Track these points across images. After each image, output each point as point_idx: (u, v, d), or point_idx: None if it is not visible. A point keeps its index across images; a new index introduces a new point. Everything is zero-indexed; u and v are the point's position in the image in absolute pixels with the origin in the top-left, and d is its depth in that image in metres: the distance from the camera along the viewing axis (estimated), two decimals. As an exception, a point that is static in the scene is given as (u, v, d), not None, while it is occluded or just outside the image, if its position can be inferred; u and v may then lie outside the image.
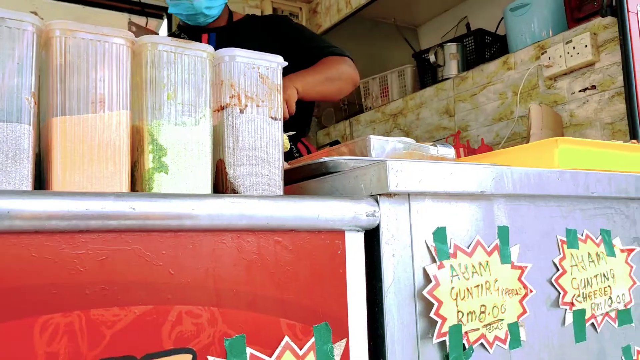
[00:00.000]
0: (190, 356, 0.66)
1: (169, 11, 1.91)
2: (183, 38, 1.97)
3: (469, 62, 3.01)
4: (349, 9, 3.66)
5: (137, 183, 0.81)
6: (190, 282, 0.68)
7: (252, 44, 1.95)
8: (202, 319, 0.68)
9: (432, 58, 3.06)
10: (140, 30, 3.23)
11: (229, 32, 2.02)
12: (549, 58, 2.32)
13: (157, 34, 3.50)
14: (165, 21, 3.62)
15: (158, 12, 3.53)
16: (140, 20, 3.47)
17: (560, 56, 2.27)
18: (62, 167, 0.74)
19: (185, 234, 0.69)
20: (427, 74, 3.25)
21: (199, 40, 1.97)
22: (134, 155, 0.82)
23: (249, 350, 0.70)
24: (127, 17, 3.46)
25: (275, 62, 0.94)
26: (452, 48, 3.05)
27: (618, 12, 1.98)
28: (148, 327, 0.64)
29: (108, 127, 0.78)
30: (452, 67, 3.03)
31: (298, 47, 1.96)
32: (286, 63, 0.95)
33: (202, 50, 0.87)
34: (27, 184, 0.71)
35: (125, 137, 0.79)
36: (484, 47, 2.98)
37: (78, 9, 3.27)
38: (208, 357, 0.67)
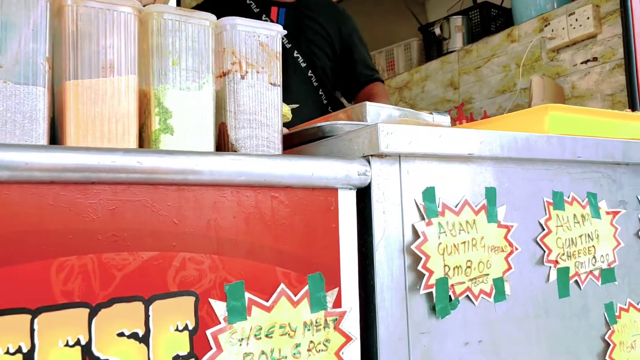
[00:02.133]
0: (193, 298, 0.73)
1: None
2: (249, 4, 2.00)
3: (474, 35, 3.03)
4: (355, -18, 3.66)
5: (144, 144, 0.87)
6: (193, 231, 0.74)
7: (315, 29, 2.02)
8: (204, 265, 0.74)
9: (437, 31, 3.08)
10: None
11: (296, 11, 2.04)
12: (552, 30, 2.34)
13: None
14: (174, -5, 3.65)
15: (166, -16, 3.55)
16: (148, -7, 3.49)
17: (563, 28, 2.29)
18: (75, 127, 0.80)
19: (189, 188, 0.75)
20: (433, 47, 3.28)
21: (267, 11, 2.01)
22: (141, 117, 0.88)
23: (247, 295, 0.76)
24: (136, -10, 3.48)
25: (274, 31, 0.99)
26: (457, 21, 3.06)
27: (620, -17, 1.99)
28: (155, 271, 0.70)
29: (117, 91, 0.83)
30: (457, 40, 3.05)
31: (350, 54, 2.06)
32: (285, 32, 1.00)
33: (205, 19, 0.92)
34: (43, 142, 0.77)
35: (133, 101, 0.85)
36: (490, 20, 2.99)
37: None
38: (209, 299, 0.74)
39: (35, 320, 0.63)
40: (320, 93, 2.07)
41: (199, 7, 2.08)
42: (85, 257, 0.66)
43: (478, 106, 2.81)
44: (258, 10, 2.04)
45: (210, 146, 0.90)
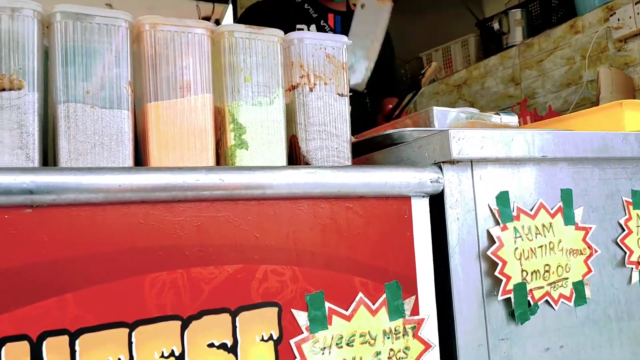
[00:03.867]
0: (276, 309, 0.75)
1: None
2: (307, 9, 2.06)
3: (534, 28, 2.95)
4: (409, -19, 3.63)
5: (220, 159, 0.90)
6: (274, 244, 0.76)
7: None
8: (285, 276, 0.76)
9: (496, 26, 3.02)
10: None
11: (350, 20, 2.09)
12: (618, 19, 2.25)
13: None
14: (230, 6, 3.73)
15: (224, -3, 3.65)
16: (206, 6, 3.60)
17: (630, 17, 2.20)
18: (158, 146, 0.84)
19: (267, 202, 0.77)
20: (491, 42, 3.21)
21: (325, 18, 2.07)
22: (217, 134, 0.91)
23: (327, 305, 0.78)
24: (195, 3, 3.59)
25: (340, 42, 1.00)
26: (516, 14, 2.99)
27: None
28: (239, 284, 0.73)
29: (194, 110, 0.87)
30: (517, 34, 2.98)
31: (386, 68, 2.10)
32: (350, 42, 1.01)
33: (273, 34, 0.94)
34: (129, 162, 0.82)
35: (209, 118, 0.88)
36: (550, 11, 2.90)
37: (148, -2, 3.43)
38: (292, 309, 0.76)
39: (133, 334, 0.66)
40: (367, 100, 2.11)
41: (258, 14, 2.13)
42: (175, 272, 0.70)
43: (542, 101, 2.73)
44: (316, 15, 2.08)
45: (283, 159, 0.92)
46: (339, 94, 0.99)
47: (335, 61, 1.00)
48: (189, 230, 0.71)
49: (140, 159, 0.87)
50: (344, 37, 1.01)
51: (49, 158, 0.82)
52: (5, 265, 0.61)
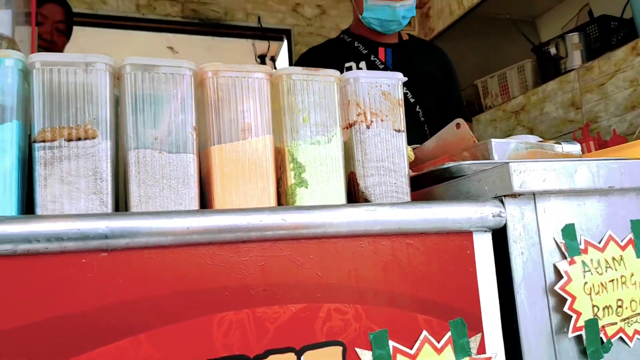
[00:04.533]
0: (340, 348, 0.75)
1: (363, 15, 2.01)
2: (357, 47, 2.11)
3: (593, 51, 2.88)
4: (461, 10, 3.65)
5: (281, 197, 0.92)
6: (336, 282, 0.77)
7: (421, 67, 2.11)
8: (349, 315, 0.76)
9: (553, 50, 2.97)
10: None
11: (402, 50, 2.13)
12: (684, 38, 2.17)
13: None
14: (285, 42, 3.84)
15: (278, 35, 3.76)
16: (262, 44, 3.71)
17: (697, 35, 2.12)
18: (222, 187, 0.87)
19: (328, 240, 0.78)
20: (549, 67, 3.15)
21: (375, 52, 2.10)
22: (277, 173, 0.93)
23: (391, 343, 0.77)
24: (251, 42, 3.72)
25: (395, 79, 1.01)
26: (574, 38, 2.93)
27: None
28: (303, 323, 0.74)
29: (255, 151, 0.90)
30: (575, 57, 2.92)
31: (447, 94, 2.12)
32: (405, 79, 1.03)
33: (329, 75, 0.96)
34: (195, 203, 0.85)
35: (270, 159, 0.90)
36: (610, 33, 2.83)
37: (207, 40, 3.58)
38: (356, 349, 0.76)
39: (201, 373, 0.68)
40: (425, 128, 2.11)
41: (311, 58, 2.19)
42: (241, 311, 0.71)
43: (605, 125, 2.65)
44: (366, 51, 2.11)
45: (342, 195, 0.94)
46: (395, 130, 1.00)
47: (391, 98, 1.01)
48: (253, 270, 0.73)
49: (204, 200, 0.90)
50: (398, 74, 1.02)
51: (120, 202, 0.86)
52: (83, 307, 0.65)
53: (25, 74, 0.81)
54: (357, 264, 0.79)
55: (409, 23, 4.04)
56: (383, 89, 1.00)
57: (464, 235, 0.86)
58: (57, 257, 0.65)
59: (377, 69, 2.05)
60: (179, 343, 0.68)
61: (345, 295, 0.77)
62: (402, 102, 1.02)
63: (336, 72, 0.97)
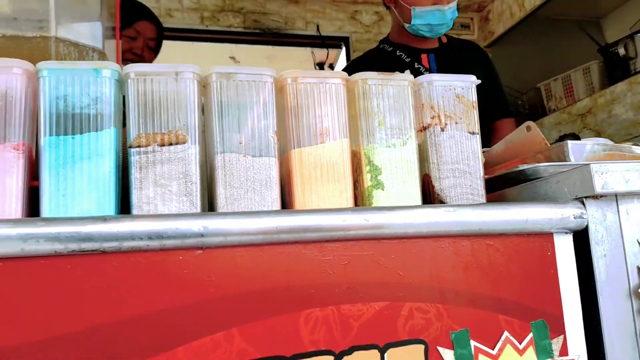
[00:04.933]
0: (422, 346, 0.76)
1: (412, 23, 2.01)
2: (399, 55, 2.12)
3: (665, 50, 2.77)
4: (522, 12, 3.58)
5: (357, 199, 0.94)
6: (417, 282, 0.78)
7: (464, 67, 2.11)
8: (430, 314, 0.77)
9: (621, 51, 2.88)
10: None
11: (443, 54, 2.13)
12: None
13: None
14: (344, 49, 3.88)
15: (337, 42, 3.80)
16: (321, 52, 3.76)
17: None
18: (301, 190, 0.90)
19: (409, 241, 0.80)
20: (617, 68, 3.05)
21: (418, 59, 2.12)
22: (353, 175, 0.96)
23: (472, 343, 0.78)
24: (310, 50, 3.77)
25: (469, 82, 1.02)
26: (644, 37, 2.84)
27: None
28: (386, 320, 0.76)
29: (333, 154, 0.92)
30: (645, 57, 2.82)
31: (490, 93, 2.12)
32: (479, 81, 1.03)
33: (404, 79, 0.98)
34: (277, 205, 0.88)
35: (347, 162, 0.93)
36: (683, 31, 2.72)
37: (267, 49, 3.66)
38: (438, 347, 0.77)
39: (291, 367, 0.71)
40: None
41: (356, 69, 2.21)
42: (326, 308, 0.74)
43: (679, 126, 2.54)
44: (409, 59, 2.11)
45: (418, 197, 0.95)
46: (470, 132, 1.01)
47: (465, 100, 1.01)
48: (337, 269, 0.76)
49: (284, 202, 0.93)
50: (472, 77, 1.03)
51: (206, 204, 0.91)
52: (181, 301, 0.69)
53: (120, 84, 0.87)
54: (438, 265, 0.80)
55: (468, 27, 4.01)
56: (457, 91, 1.01)
57: (545, 237, 0.85)
58: (157, 254, 0.69)
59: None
60: (269, 338, 0.71)
61: (427, 295, 0.78)
62: (476, 105, 1.02)
63: (410, 76, 0.99)
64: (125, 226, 0.68)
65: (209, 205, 0.89)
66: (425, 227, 0.79)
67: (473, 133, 1.01)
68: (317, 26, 3.79)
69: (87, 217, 0.68)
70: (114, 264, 0.67)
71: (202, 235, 0.70)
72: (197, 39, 3.58)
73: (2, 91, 0.80)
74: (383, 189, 0.94)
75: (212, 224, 0.71)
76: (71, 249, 0.65)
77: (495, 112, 2.19)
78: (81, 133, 0.82)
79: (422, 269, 0.79)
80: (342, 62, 3.92)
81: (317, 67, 3.87)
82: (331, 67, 4.00)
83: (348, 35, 3.88)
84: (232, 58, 3.74)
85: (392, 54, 2.15)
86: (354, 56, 3.76)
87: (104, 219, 0.68)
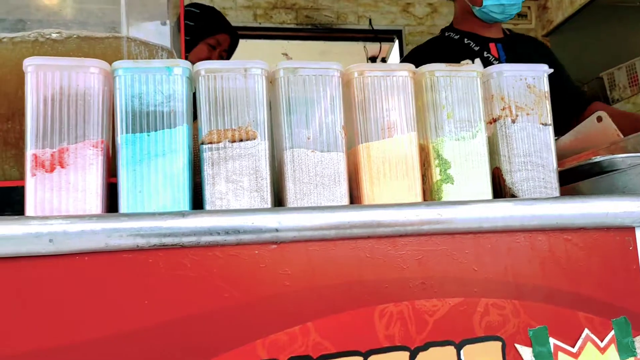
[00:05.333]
0: (499, 343, 0.75)
1: (484, 5, 1.96)
2: (467, 44, 2.08)
3: None
4: (583, 0, 3.45)
5: (426, 194, 0.93)
6: (492, 277, 0.76)
7: (530, 59, 2.05)
8: (506, 310, 0.76)
9: (691, 36, 2.73)
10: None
11: (509, 44, 2.08)
12: None
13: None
14: (396, 43, 3.84)
15: (389, 35, 3.77)
16: (373, 46, 3.73)
17: None
18: (369, 184, 0.89)
19: (484, 235, 0.78)
20: (687, 54, 2.90)
21: (487, 48, 2.08)
22: (421, 169, 0.94)
23: (552, 341, 0.76)
24: (362, 44, 3.75)
25: (540, 71, 0.99)
26: None
27: None
28: (461, 317, 0.74)
29: (401, 148, 0.91)
30: None
31: (562, 82, 2.06)
32: (551, 70, 1.00)
33: (472, 70, 0.96)
34: (345, 200, 0.88)
35: (416, 155, 0.92)
36: None
37: (320, 44, 3.66)
38: (515, 345, 0.75)
39: (366, 362, 0.70)
40: None
41: (419, 58, 2.17)
42: (401, 303, 0.73)
43: None
44: (478, 48, 2.06)
45: (488, 192, 0.93)
46: (542, 124, 0.98)
47: (537, 90, 0.98)
48: (411, 264, 0.75)
49: (351, 197, 0.93)
50: (544, 66, 0.99)
51: (274, 199, 0.91)
52: (258, 295, 0.70)
53: (190, 81, 0.88)
54: (514, 259, 0.78)
55: (526, 16, 3.89)
56: (528, 81, 0.98)
57: (626, 231, 0.82)
58: (234, 248, 0.70)
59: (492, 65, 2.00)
60: (344, 332, 0.71)
61: (502, 291, 0.76)
62: (548, 95, 0.99)
63: (480, 66, 0.97)
64: (203, 221, 0.69)
65: (277, 200, 0.90)
66: (501, 221, 0.78)
67: (545, 124, 0.98)
68: (370, 20, 3.76)
69: (167, 213, 0.70)
70: (193, 258, 0.69)
71: (277, 230, 0.71)
72: (251, 36, 3.62)
73: (80, 91, 0.83)
74: (453, 183, 0.92)
75: (286, 219, 0.71)
76: (152, 244, 0.67)
77: (582, 100, 2.11)
78: (155, 130, 0.84)
79: (498, 264, 0.77)
80: (394, 55, 3.88)
81: (369, 61, 3.85)
82: (384, 60, 3.96)
83: (401, 28, 3.84)
84: (285, 54, 3.77)
85: (460, 43, 2.10)
86: (407, 50, 3.71)
87: (182, 214, 0.69)
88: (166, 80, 0.86)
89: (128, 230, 0.67)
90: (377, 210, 0.75)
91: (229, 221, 0.70)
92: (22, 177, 1.00)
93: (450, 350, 0.73)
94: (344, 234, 0.73)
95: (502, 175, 0.96)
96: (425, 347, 0.72)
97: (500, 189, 0.96)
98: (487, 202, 0.79)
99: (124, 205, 0.79)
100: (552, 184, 0.95)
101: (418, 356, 0.72)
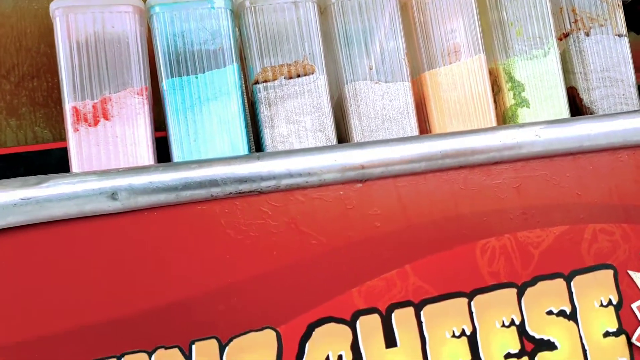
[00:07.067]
0: (611, 271, 0.68)
1: None
2: None
3: None
4: None
5: (498, 121, 0.85)
6: (597, 201, 0.69)
7: None
8: (616, 235, 0.69)
9: None
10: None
11: None
12: None
13: None
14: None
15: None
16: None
17: None
18: (439, 114, 0.81)
19: (584, 156, 0.70)
20: None
21: None
22: (492, 95, 0.86)
23: (667, 264, 0.69)
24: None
25: (612, -23, 0.89)
26: None
27: None
28: (568, 246, 0.67)
29: (470, 73, 0.82)
30: None
31: None
32: (620, -25, 0.90)
33: (538, -19, 0.87)
34: (415, 131, 0.80)
35: (486, 79, 0.83)
36: None
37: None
38: (628, 271, 0.68)
39: (472, 303, 0.64)
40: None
41: None
42: (502, 237, 0.66)
43: None
44: None
45: (566, 113, 0.84)
46: (617, 35, 0.89)
47: (609, -1, 0.89)
48: (508, 193, 0.67)
49: (421, 130, 0.85)
50: (613, -29, 0.90)
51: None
52: (349, 240, 0.62)
53: (233, 15, 0.79)
54: (618, 180, 0.70)
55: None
56: (600, -11, 0.89)
57: None
58: (316, 190, 0.63)
59: None
60: (444, 273, 0.64)
61: (609, 214, 0.69)
62: (620, 3, 0.90)
63: (547, -23, 0.87)
64: (281, 164, 0.61)
65: (340, 141, 0.82)
66: (603, 138, 0.70)
67: (621, 35, 0.89)
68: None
69: (240, 156, 0.62)
70: (273, 204, 0.61)
71: (362, 167, 0.63)
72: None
73: (117, 33, 0.74)
74: (528, 107, 0.84)
75: (372, 153, 0.64)
76: (228, 192, 0.59)
77: None
78: (204, 72, 0.75)
79: (601, 187, 0.70)
80: None
81: None
82: None
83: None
84: None
85: None
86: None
87: (257, 157, 0.62)
88: (208, 15, 0.76)
89: (201, 179, 0.59)
90: (470, 137, 0.67)
91: (309, 161, 0.62)
92: (55, 138, 0.92)
93: (560, 283, 0.66)
94: (435, 165, 0.66)
95: (578, 94, 0.87)
96: (533, 282, 0.65)
97: (578, 110, 0.88)
98: (588, 118, 0.71)
99: (176, 156, 0.71)
100: (633, 99, 0.87)
101: (526, 292, 0.65)
